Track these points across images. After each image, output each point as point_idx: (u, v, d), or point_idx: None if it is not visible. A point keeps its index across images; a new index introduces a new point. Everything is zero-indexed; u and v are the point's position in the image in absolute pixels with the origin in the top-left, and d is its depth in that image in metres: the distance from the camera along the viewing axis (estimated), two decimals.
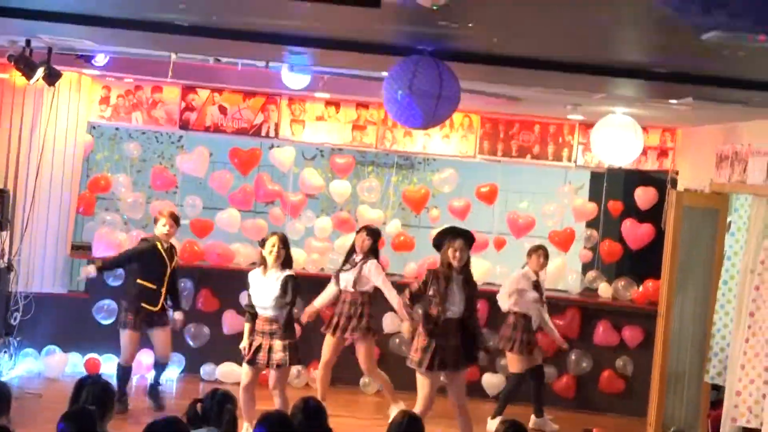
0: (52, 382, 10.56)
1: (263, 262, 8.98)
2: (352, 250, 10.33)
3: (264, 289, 8.89)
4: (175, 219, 10.00)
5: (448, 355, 8.81)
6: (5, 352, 10.71)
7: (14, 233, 10.80)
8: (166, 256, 9.91)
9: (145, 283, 9.91)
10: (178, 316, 10.22)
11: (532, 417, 10.50)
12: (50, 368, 10.92)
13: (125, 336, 9.92)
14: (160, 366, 10.25)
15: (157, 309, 9.87)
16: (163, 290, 9.91)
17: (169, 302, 10.11)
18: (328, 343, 10.34)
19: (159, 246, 9.92)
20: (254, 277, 9.01)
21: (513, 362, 10.48)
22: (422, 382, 8.87)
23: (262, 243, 9.06)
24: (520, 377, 10.48)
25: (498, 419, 9.92)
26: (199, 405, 6.22)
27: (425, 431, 6.37)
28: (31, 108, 10.85)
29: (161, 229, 9.92)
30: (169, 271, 9.96)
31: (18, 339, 10.91)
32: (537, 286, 10.45)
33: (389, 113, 6.76)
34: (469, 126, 11.67)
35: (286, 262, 8.97)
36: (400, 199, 12.50)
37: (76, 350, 11.14)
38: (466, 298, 8.82)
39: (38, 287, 11.06)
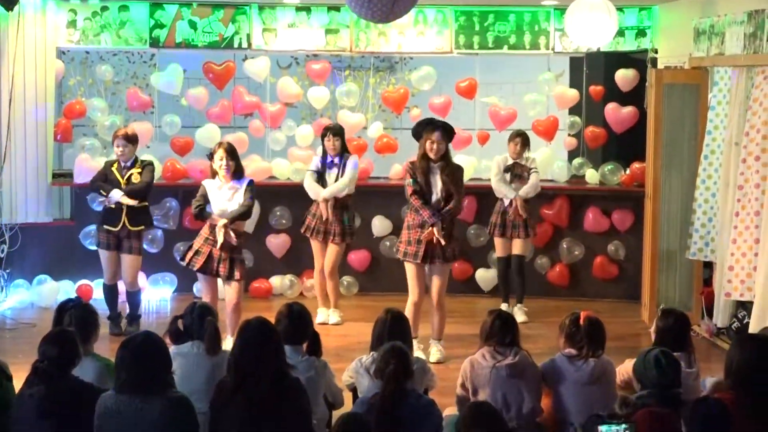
0: (45, 311, 10.50)
1: (215, 174, 8.89)
2: (325, 154, 10.26)
3: (222, 199, 8.82)
4: (127, 138, 9.70)
5: (434, 247, 8.78)
6: None
7: None
8: (118, 176, 9.66)
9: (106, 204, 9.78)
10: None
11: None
12: (42, 297, 10.89)
13: (101, 256, 9.84)
14: (130, 294, 9.98)
15: (116, 229, 9.66)
16: (123, 210, 9.63)
17: (145, 224, 9.88)
18: (316, 248, 10.33)
19: (113, 167, 9.73)
20: (211, 186, 8.90)
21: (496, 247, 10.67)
22: (411, 273, 8.88)
23: (211, 156, 8.97)
24: (502, 261, 10.60)
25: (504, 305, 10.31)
26: (179, 321, 6.21)
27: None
28: None
29: (116, 150, 9.75)
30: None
31: (7, 271, 10.90)
32: (510, 169, 10.47)
33: (349, 6, 6.60)
34: (443, 21, 11.50)
35: (236, 172, 8.88)
36: (380, 101, 12.37)
37: (67, 278, 11.10)
38: (446, 189, 8.73)
39: (23, 218, 11.02)
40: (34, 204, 11.07)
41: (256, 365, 5.20)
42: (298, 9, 11.39)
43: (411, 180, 8.79)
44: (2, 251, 10.84)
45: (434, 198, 8.77)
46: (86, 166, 11.09)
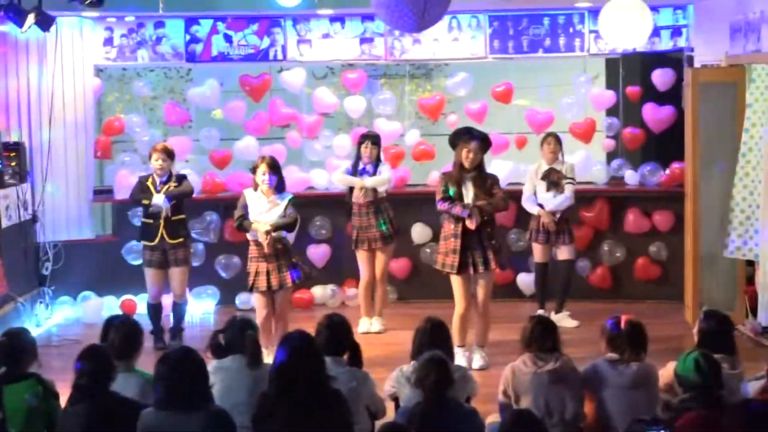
0: (90, 327, 10.55)
1: (257, 187, 8.94)
2: (357, 161, 10.27)
3: (262, 212, 8.87)
4: (167, 152, 9.77)
5: (474, 256, 8.77)
6: (41, 302, 10.82)
7: (35, 184, 10.86)
8: (154, 191, 9.70)
9: (144, 219, 9.86)
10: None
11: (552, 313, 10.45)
12: (87, 313, 10.99)
13: (146, 274, 9.90)
14: (177, 306, 10.04)
15: (154, 243, 9.71)
16: (161, 224, 9.68)
17: (183, 236, 9.87)
18: (363, 258, 10.37)
19: (148, 182, 9.78)
20: (252, 197, 8.96)
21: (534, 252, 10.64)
22: (455, 284, 8.88)
23: (253, 170, 9.01)
24: (539, 266, 10.57)
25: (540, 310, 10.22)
26: (220, 336, 6.24)
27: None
28: (36, 58, 10.82)
29: (154, 164, 9.80)
30: None
31: (52, 288, 11.01)
32: (547, 175, 10.36)
33: (380, 18, 6.62)
34: (477, 26, 11.50)
35: (278, 186, 8.94)
36: (416, 109, 12.37)
37: (111, 293, 11.20)
38: (477, 198, 8.72)
39: (65, 235, 11.14)
40: (76, 221, 11.20)
41: (297, 378, 5.21)
42: (333, 19, 11.42)
43: (442, 189, 8.81)
44: (46, 269, 10.96)
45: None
46: (126, 182, 11.17)
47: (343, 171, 10.32)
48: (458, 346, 8.74)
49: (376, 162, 10.22)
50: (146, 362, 6.79)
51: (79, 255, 11.18)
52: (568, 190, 10.35)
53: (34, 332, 9.97)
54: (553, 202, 10.32)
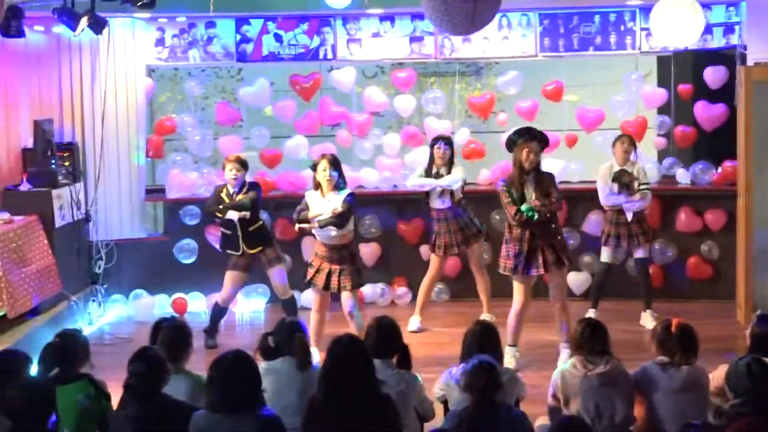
0: (142, 326, 10.61)
1: (318, 186, 8.96)
2: (431, 164, 10.21)
3: (322, 211, 8.86)
4: (241, 162, 9.82)
5: (537, 258, 8.76)
6: (93, 300, 10.93)
7: (88, 184, 10.99)
8: (228, 201, 9.74)
9: (222, 229, 9.95)
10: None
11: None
12: (139, 312, 11.09)
13: (226, 276, 9.92)
14: (285, 302, 10.00)
15: (239, 253, 9.81)
16: (239, 234, 9.76)
17: (263, 244, 9.89)
18: (435, 262, 10.39)
19: (222, 192, 9.84)
20: (312, 197, 8.98)
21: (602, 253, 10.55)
22: (516, 286, 8.91)
23: (314, 167, 9.02)
24: (605, 268, 10.49)
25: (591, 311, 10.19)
26: (269, 338, 6.27)
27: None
28: (89, 59, 10.96)
29: (228, 174, 9.85)
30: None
31: (105, 286, 11.12)
32: (618, 177, 10.22)
33: (429, 20, 6.63)
34: (527, 24, 11.45)
35: (339, 184, 8.95)
36: (466, 107, 12.35)
37: (163, 291, 11.30)
38: (538, 199, 8.69)
39: (118, 234, 11.27)
40: (128, 220, 11.32)
41: (347, 381, 5.24)
42: (382, 18, 11.43)
43: (506, 192, 8.76)
44: (99, 267, 11.08)
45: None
46: (178, 181, 11.30)
47: (418, 175, 10.27)
48: (510, 345, 8.75)
49: (449, 164, 10.17)
50: (196, 361, 6.86)
51: (131, 254, 11.29)
52: (647, 197, 10.25)
53: (87, 330, 10.16)
54: (629, 206, 10.21)
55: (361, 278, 9.23)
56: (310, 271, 9.04)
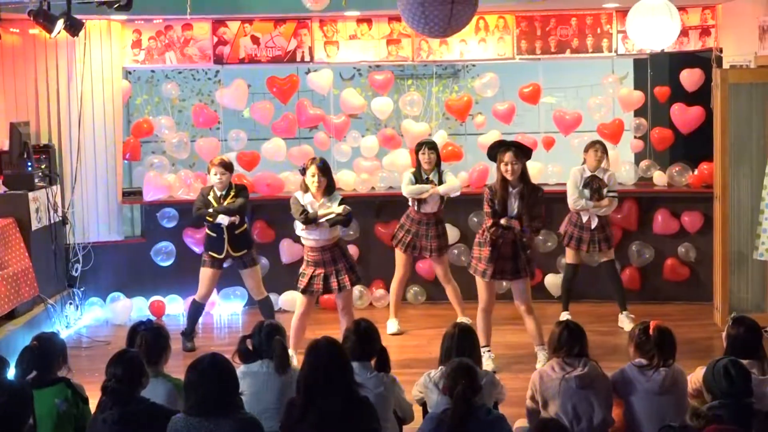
0: (119, 329, 10.64)
1: (306, 189, 8.94)
2: (419, 170, 10.15)
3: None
4: (225, 166, 9.79)
5: (507, 265, 8.83)
6: (71, 303, 10.87)
7: (65, 187, 10.93)
8: (215, 204, 9.73)
9: (208, 232, 9.92)
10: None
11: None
12: (117, 315, 11.05)
13: (202, 274, 9.92)
14: (260, 302, 10.05)
15: (221, 256, 9.79)
16: (225, 237, 9.74)
17: (247, 247, 9.90)
18: (401, 261, 10.34)
19: (209, 195, 9.81)
20: (308, 200, 8.94)
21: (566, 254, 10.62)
22: (481, 287, 8.96)
23: (303, 171, 9.00)
24: (571, 269, 10.52)
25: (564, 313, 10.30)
26: (248, 341, 6.26)
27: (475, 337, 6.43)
28: (65, 61, 10.90)
29: (213, 178, 9.83)
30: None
31: (82, 289, 11.06)
32: (588, 184, 10.25)
33: (405, 22, 6.65)
34: (504, 27, 11.48)
35: (329, 188, 8.94)
36: (444, 110, 12.36)
37: (140, 294, 11.27)
38: (520, 213, 8.72)
39: (95, 237, 11.20)
40: (105, 223, 11.25)
41: (325, 384, 5.23)
42: (359, 21, 11.43)
43: (489, 201, 8.80)
44: (76, 270, 11.02)
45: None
46: (155, 183, 11.25)
47: (408, 182, 10.12)
48: (482, 347, 8.77)
49: (437, 168, 10.12)
50: (174, 364, 6.85)
51: (108, 257, 11.23)
52: (613, 203, 10.30)
53: (64, 333, 10.13)
54: (595, 212, 10.24)
55: (358, 274, 9.22)
56: (303, 280, 9.01)
